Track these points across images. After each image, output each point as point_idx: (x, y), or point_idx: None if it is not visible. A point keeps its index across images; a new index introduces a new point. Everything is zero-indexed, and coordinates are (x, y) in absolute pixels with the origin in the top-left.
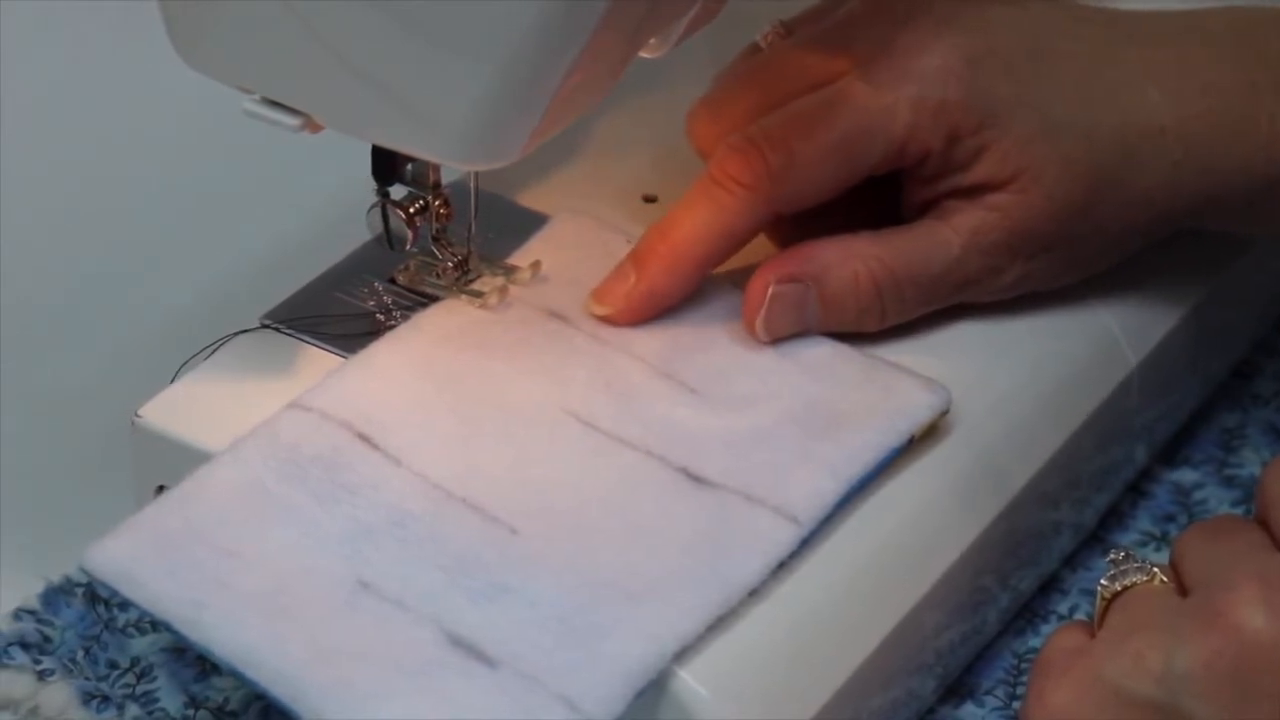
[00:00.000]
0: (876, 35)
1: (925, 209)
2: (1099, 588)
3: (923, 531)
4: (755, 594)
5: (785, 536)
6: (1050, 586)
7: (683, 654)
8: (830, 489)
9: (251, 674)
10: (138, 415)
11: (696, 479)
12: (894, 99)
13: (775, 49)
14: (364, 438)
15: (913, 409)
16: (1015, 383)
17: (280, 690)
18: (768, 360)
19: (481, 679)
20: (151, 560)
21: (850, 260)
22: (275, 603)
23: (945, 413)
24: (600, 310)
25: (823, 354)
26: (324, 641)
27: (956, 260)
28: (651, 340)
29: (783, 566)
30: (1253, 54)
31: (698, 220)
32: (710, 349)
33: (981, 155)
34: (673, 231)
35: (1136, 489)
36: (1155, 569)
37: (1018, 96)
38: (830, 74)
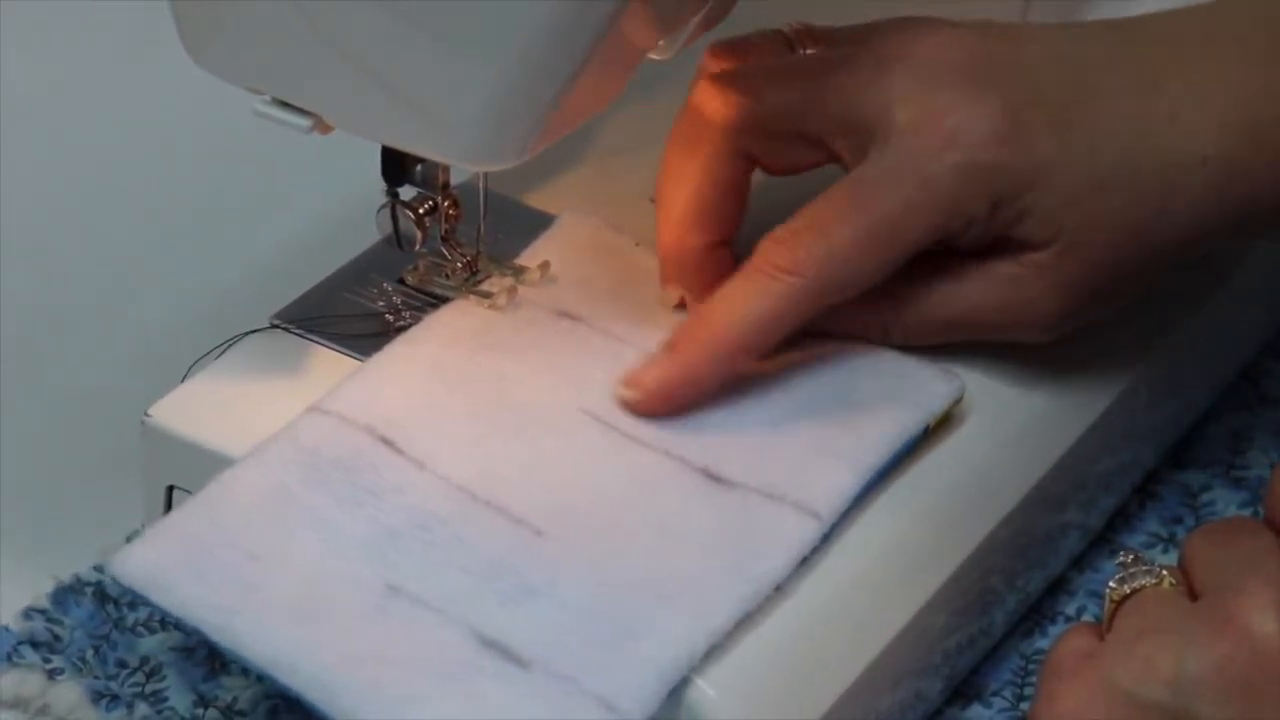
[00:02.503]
0: (912, 89)
1: (965, 254)
2: (1108, 590)
3: (931, 533)
4: (777, 591)
5: (808, 532)
6: (1058, 588)
7: (709, 653)
8: (850, 483)
9: (285, 678)
10: (147, 415)
11: (716, 478)
12: (937, 170)
13: (807, 70)
14: (386, 441)
15: (928, 398)
16: (1024, 386)
17: (314, 694)
18: (782, 355)
19: (515, 680)
20: (179, 566)
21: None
22: (305, 607)
23: (959, 400)
24: (629, 395)
25: (836, 346)
26: (355, 645)
27: (989, 310)
28: (663, 338)
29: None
30: (1275, 38)
31: (745, 308)
32: None
33: (1024, 218)
34: (713, 317)
35: (1144, 490)
36: (1164, 571)
37: (1061, 153)
38: (866, 119)
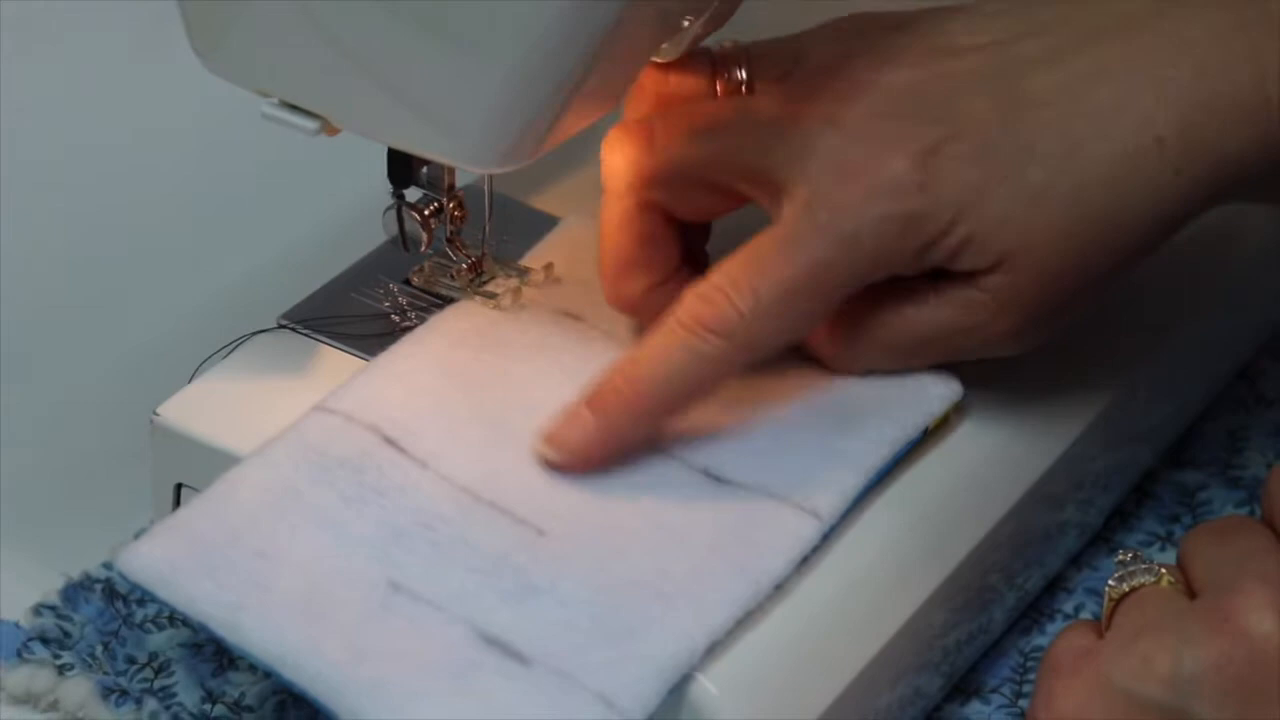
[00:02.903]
0: (824, 141)
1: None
2: (1107, 588)
3: (930, 532)
4: (777, 590)
5: (808, 532)
6: (1056, 585)
7: (709, 651)
8: (850, 483)
9: (290, 675)
10: (156, 414)
11: (717, 478)
12: (854, 226)
13: (714, 123)
14: (391, 441)
15: (926, 400)
16: (1022, 386)
17: (319, 691)
18: (783, 357)
19: (516, 677)
20: (186, 563)
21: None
22: (310, 605)
23: (957, 403)
24: (552, 455)
25: None
26: (360, 642)
27: (951, 332)
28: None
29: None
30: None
31: (668, 368)
32: None
33: (960, 251)
34: (638, 376)
35: (1142, 490)
36: (1163, 570)
37: (986, 179)
38: (776, 171)
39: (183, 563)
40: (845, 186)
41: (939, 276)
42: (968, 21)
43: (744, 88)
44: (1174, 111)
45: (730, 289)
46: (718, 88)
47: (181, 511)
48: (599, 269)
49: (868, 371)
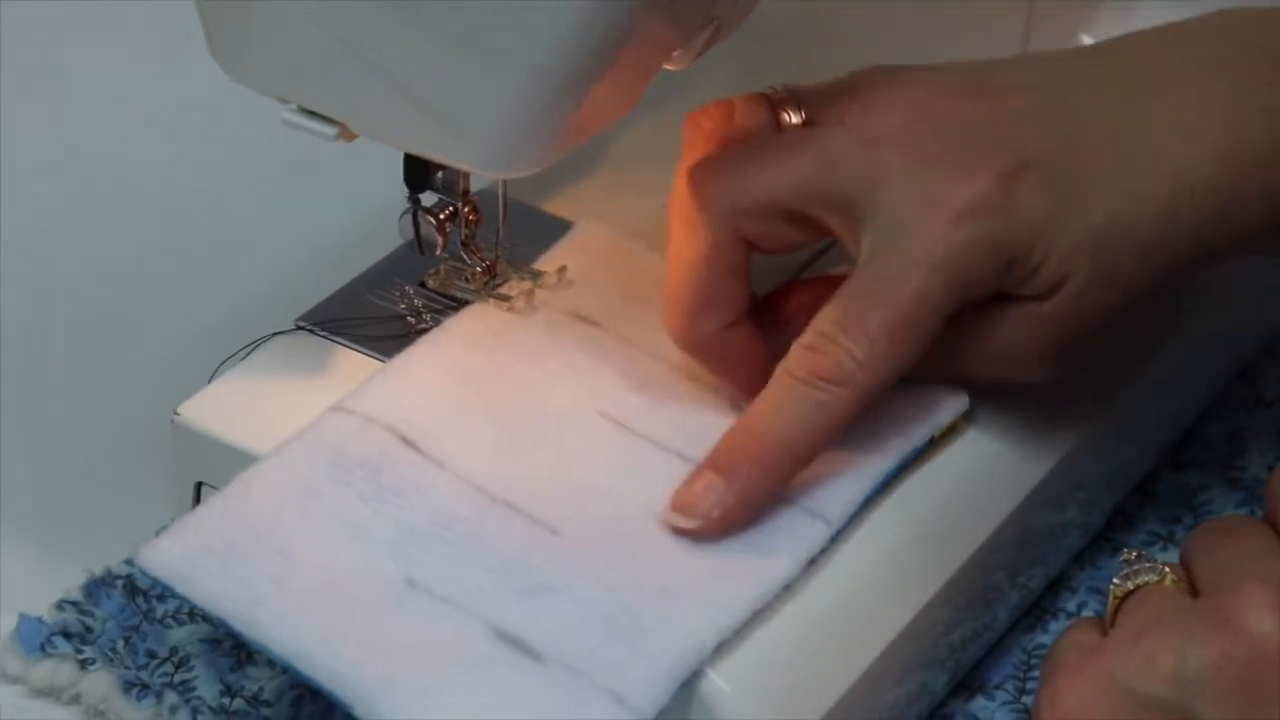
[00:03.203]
0: (900, 170)
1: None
2: (1111, 586)
3: (936, 532)
4: (786, 591)
5: (816, 534)
6: (1059, 584)
7: (720, 648)
8: (857, 487)
9: (307, 670)
10: (177, 413)
11: None
12: (945, 252)
13: (791, 150)
14: (407, 442)
15: (934, 411)
16: (1025, 390)
17: (334, 686)
18: None
19: (529, 673)
20: (205, 560)
21: None
22: (327, 601)
23: (964, 414)
24: (685, 523)
25: None
26: (375, 638)
27: (988, 353)
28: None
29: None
30: (1255, 62)
31: (790, 421)
32: None
33: (1036, 272)
34: (763, 434)
35: (1143, 490)
36: (1166, 569)
37: (1057, 208)
38: (855, 199)
39: (201, 559)
40: (930, 214)
41: (981, 305)
42: (1015, 67)
43: (805, 127)
44: (1203, 165)
45: (840, 336)
46: (781, 127)
47: (200, 509)
48: (665, 307)
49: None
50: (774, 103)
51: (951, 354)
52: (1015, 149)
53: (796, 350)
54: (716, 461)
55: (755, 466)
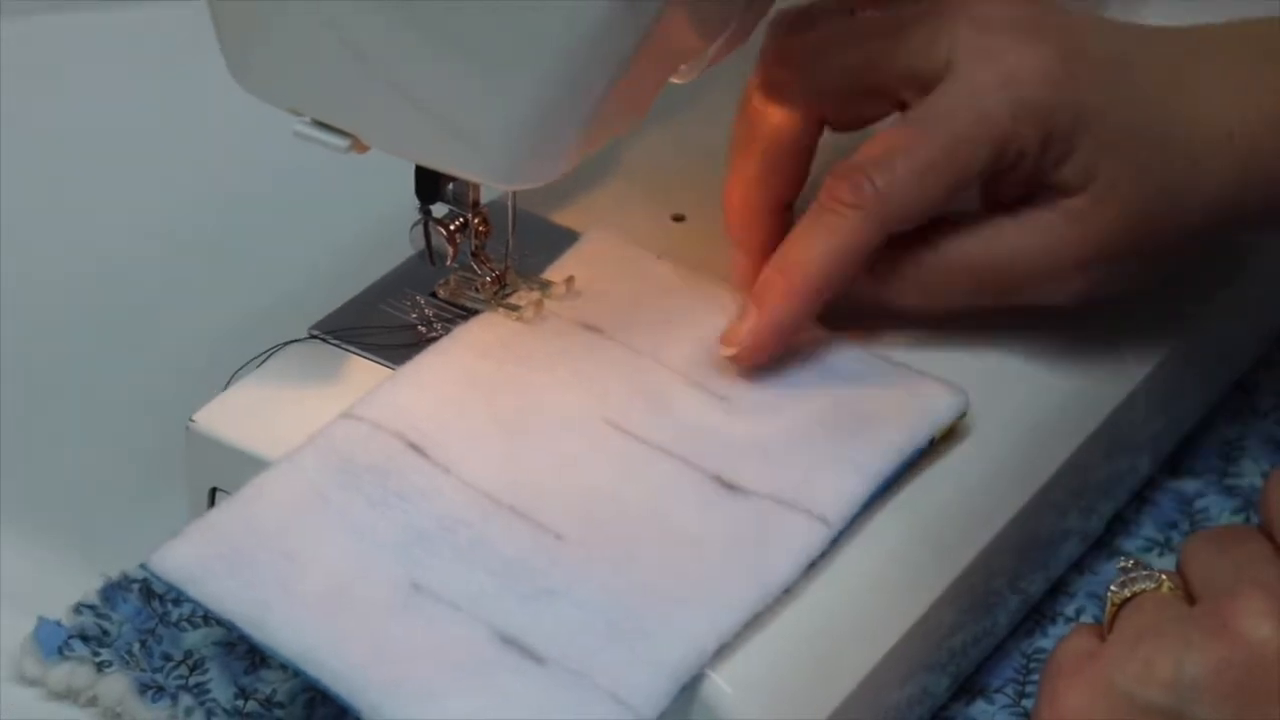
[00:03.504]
0: (970, 36)
1: (997, 205)
2: (1109, 593)
3: (937, 538)
4: (787, 594)
5: (817, 538)
6: (1058, 589)
7: (720, 652)
8: (858, 491)
9: (314, 673)
10: (192, 420)
11: (729, 485)
12: (993, 104)
13: (873, 30)
14: (415, 448)
15: (934, 411)
16: (1027, 397)
17: (341, 688)
18: (794, 367)
19: (532, 675)
20: (215, 564)
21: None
22: (334, 605)
23: (964, 414)
24: (727, 352)
25: (847, 359)
26: (381, 641)
27: (1019, 258)
28: (683, 350)
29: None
30: None
31: (811, 247)
32: None
33: (1067, 158)
34: (787, 261)
35: (1141, 497)
36: (1163, 576)
37: (1103, 101)
38: (931, 68)
39: (212, 563)
40: (988, 68)
41: (1017, 204)
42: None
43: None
44: (1244, 114)
45: (869, 165)
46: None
47: (211, 514)
48: (726, 184)
49: (911, 340)
50: (852, 4)
51: (989, 269)
52: (1077, 42)
53: (827, 178)
54: (754, 294)
55: (781, 295)
